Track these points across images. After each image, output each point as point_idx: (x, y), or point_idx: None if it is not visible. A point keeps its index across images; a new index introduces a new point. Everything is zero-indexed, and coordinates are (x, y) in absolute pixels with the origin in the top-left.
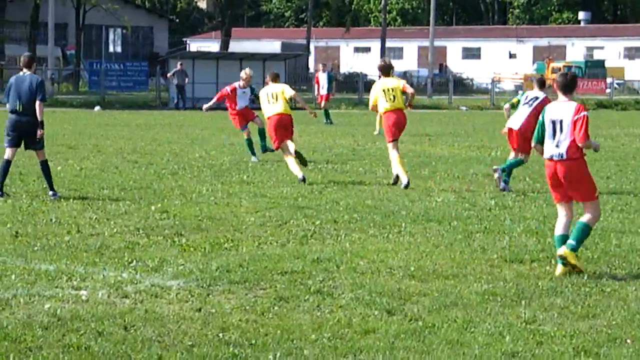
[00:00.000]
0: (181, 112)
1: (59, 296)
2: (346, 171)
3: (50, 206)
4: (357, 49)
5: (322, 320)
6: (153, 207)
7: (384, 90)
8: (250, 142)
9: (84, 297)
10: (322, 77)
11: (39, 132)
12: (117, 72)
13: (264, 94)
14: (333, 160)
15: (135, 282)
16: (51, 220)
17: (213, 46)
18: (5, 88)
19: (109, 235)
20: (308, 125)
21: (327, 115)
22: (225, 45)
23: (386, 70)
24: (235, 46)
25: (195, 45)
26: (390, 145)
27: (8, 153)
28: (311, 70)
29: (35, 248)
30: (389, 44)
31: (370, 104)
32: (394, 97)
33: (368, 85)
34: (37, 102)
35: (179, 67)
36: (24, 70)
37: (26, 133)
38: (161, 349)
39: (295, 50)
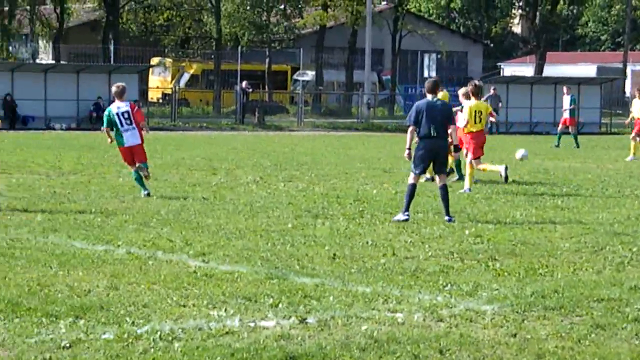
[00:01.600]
0: (492, 135)
1: (376, 318)
2: None
3: (367, 229)
4: None
5: None
6: (467, 231)
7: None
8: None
9: (400, 320)
10: (565, 101)
11: (455, 155)
12: None
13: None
14: None
15: (450, 305)
16: (367, 242)
17: (527, 70)
18: (409, 113)
19: (423, 258)
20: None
21: (575, 139)
22: (539, 69)
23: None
24: (549, 70)
25: (509, 69)
26: (475, 162)
27: (415, 178)
28: (627, 94)
29: (352, 270)
30: None
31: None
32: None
33: None
34: (452, 127)
35: (492, 92)
36: (429, 95)
37: (438, 157)
38: None
39: (611, 74)
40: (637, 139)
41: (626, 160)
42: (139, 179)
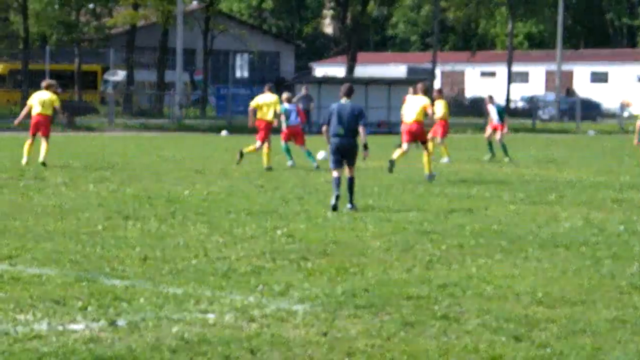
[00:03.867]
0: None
1: (187, 319)
2: (472, 196)
3: (178, 230)
4: (483, 73)
5: (448, 346)
6: (279, 232)
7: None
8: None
9: (211, 321)
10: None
11: (364, 153)
12: (244, 97)
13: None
14: (459, 185)
15: (262, 306)
16: (179, 244)
17: (339, 71)
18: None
19: (235, 259)
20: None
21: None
22: (351, 69)
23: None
24: (361, 70)
25: (321, 70)
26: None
27: (335, 174)
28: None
29: (164, 271)
30: (515, 68)
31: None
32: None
33: None
34: (361, 127)
35: (304, 92)
36: (344, 98)
37: (346, 152)
38: None
39: (421, 74)
40: (441, 140)
41: (441, 162)
42: None
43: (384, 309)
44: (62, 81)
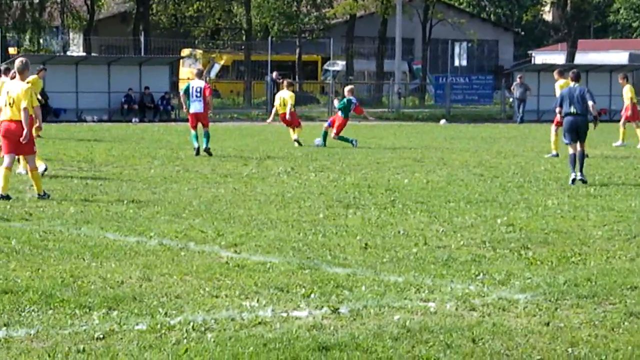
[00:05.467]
0: (525, 124)
1: (408, 307)
2: None
3: (398, 219)
4: None
5: None
6: (499, 220)
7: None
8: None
9: (432, 309)
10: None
11: (594, 124)
12: (463, 86)
13: None
14: None
15: (483, 294)
16: (399, 232)
17: (558, 58)
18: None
19: (455, 247)
20: None
21: None
22: (571, 57)
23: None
24: (581, 58)
25: (540, 57)
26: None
27: (571, 150)
28: None
29: (384, 260)
30: None
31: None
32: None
33: None
34: (591, 103)
35: (518, 80)
36: (573, 83)
37: (578, 129)
38: None
39: None
40: (633, 124)
41: (614, 145)
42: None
43: (607, 298)
44: (284, 72)
